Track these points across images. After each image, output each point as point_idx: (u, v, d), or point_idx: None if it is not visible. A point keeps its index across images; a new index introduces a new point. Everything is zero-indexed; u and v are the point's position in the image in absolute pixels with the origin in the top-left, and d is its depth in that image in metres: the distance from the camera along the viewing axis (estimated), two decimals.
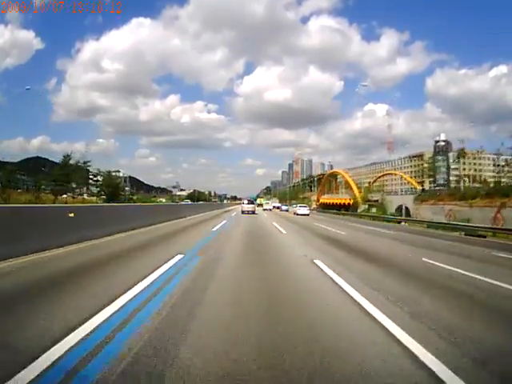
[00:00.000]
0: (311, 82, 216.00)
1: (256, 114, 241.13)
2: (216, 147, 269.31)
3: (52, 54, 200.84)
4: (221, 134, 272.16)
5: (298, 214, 32.27)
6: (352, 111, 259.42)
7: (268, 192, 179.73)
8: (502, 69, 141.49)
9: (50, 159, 66.32)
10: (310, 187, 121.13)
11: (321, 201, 74.98)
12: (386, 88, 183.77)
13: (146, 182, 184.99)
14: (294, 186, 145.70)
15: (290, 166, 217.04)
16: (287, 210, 47.10)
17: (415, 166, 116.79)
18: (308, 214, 32.92)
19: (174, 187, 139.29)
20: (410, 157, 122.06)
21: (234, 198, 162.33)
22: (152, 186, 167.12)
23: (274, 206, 52.94)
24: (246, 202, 32.70)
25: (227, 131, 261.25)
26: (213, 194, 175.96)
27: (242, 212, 29.92)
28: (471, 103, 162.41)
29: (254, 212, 30.47)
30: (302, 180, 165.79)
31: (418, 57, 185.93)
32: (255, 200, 56.81)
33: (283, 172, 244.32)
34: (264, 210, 43.57)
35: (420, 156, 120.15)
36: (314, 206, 78.33)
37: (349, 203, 55.57)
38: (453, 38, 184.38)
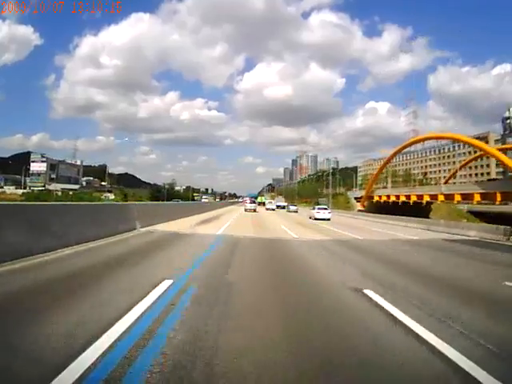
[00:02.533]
0: (312, 79, 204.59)
1: (256, 112, 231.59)
2: (216, 145, 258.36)
3: (50, 50, 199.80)
4: (221, 132, 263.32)
5: (316, 219, 24.27)
6: (353, 109, 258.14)
7: (271, 189, 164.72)
8: (506, 67, 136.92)
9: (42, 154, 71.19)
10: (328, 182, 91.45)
11: (377, 198, 43.06)
12: (388, 85, 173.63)
13: (143, 180, 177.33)
14: (305, 181, 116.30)
15: (294, 162, 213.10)
16: (296, 211, 38.50)
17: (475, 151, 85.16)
18: (329, 219, 24.47)
19: (170, 184, 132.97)
20: None
21: (234, 196, 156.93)
22: (149, 183, 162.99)
23: (278, 206, 47.13)
24: (248, 201, 36.17)
25: (227, 129, 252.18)
26: (210, 191, 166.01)
27: (245, 210, 31.94)
28: (474, 101, 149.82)
29: (255, 210, 32.23)
30: (310, 176, 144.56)
31: (421, 53, 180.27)
32: (256, 198, 56.91)
33: (286, 169, 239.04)
34: (267, 209, 41.17)
35: (483, 138, 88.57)
36: (358, 207, 46.46)
37: None
38: (456, 35, 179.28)
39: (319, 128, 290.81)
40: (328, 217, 24.79)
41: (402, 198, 38.88)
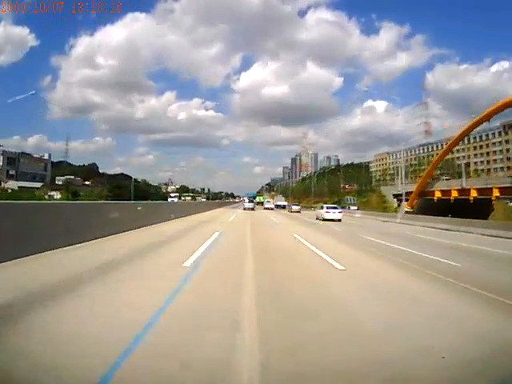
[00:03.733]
0: (309, 78, 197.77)
1: (253, 111, 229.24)
2: (214, 145, 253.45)
3: (46, 51, 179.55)
4: (218, 132, 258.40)
5: (324, 220, 23.03)
6: (351, 108, 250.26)
7: (270, 189, 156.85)
8: (504, 64, 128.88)
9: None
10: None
11: (438, 195, 29.26)
12: (386, 83, 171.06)
13: (139, 180, 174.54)
14: (312, 177, 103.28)
15: (293, 160, 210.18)
16: (299, 211, 35.95)
17: None
18: (340, 220, 22.89)
19: (165, 184, 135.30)
20: (504, 126, 75.56)
21: (231, 196, 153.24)
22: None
23: (277, 205, 44.63)
24: (247, 200, 38.95)
25: (225, 129, 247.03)
26: (207, 190, 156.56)
27: (244, 209, 33.29)
28: (472, 99, 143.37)
29: (253, 209, 33.71)
30: (311, 174, 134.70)
31: (418, 51, 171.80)
32: (254, 198, 58.45)
33: (285, 168, 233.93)
34: (265, 208, 40.64)
35: None
36: (406, 208, 32.69)
37: None
38: (453, 32, 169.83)
39: (316, 127, 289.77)
40: (338, 217, 23.10)
41: (496, 193, 25.44)
